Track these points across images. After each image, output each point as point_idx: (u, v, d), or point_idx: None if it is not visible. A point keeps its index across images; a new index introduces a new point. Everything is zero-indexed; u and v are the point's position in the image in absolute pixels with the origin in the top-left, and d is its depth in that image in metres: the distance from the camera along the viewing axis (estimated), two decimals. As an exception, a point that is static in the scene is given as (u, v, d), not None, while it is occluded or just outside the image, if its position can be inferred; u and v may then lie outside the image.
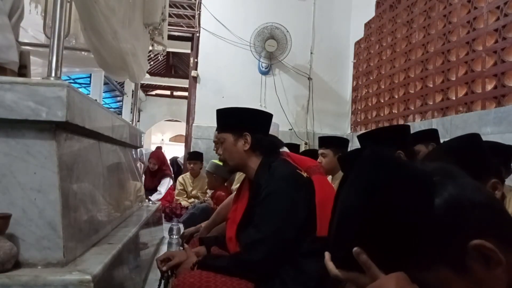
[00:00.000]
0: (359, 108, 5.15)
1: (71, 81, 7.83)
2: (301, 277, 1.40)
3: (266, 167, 1.52)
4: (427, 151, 2.39)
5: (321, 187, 1.47)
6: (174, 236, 2.27)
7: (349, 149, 3.04)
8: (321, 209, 1.41)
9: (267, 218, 1.40)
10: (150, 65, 5.77)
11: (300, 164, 1.56)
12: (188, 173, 4.94)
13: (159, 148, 6.28)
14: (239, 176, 2.67)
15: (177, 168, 6.94)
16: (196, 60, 5.53)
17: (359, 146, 2.42)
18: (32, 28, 2.92)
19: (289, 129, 5.34)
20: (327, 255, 0.72)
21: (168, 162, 6.18)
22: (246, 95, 5.37)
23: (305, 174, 1.50)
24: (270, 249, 1.37)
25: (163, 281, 1.57)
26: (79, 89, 1.58)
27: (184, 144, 6.95)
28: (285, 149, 2.24)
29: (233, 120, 1.60)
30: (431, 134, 2.49)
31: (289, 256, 1.41)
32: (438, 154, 1.25)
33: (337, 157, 2.46)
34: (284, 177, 1.45)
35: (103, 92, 8.27)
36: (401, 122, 3.96)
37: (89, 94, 7.23)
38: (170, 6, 4.86)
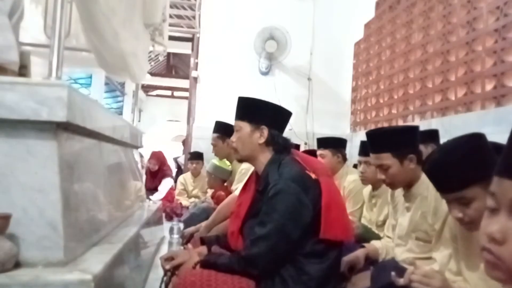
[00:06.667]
0: (359, 108, 5.15)
1: (72, 81, 7.83)
2: (302, 277, 1.40)
3: (275, 164, 1.51)
4: (427, 152, 2.39)
5: (328, 190, 1.47)
6: (175, 236, 2.28)
7: (348, 149, 3.04)
8: (326, 212, 1.42)
9: (273, 216, 1.40)
10: (151, 65, 5.79)
11: (308, 165, 1.55)
12: (188, 173, 4.96)
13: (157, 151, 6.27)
14: (239, 177, 2.67)
15: (177, 168, 6.94)
16: (196, 60, 5.53)
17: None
18: (32, 28, 2.92)
19: (289, 129, 5.31)
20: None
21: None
22: (246, 96, 5.37)
23: (313, 175, 1.50)
24: (272, 245, 1.37)
25: (165, 279, 1.57)
26: (80, 89, 1.58)
27: (182, 144, 6.96)
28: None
29: (254, 110, 1.59)
30: (431, 135, 2.49)
31: (291, 255, 1.41)
32: (442, 152, 1.25)
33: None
34: (294, 177, 1.44)
35: (104, 92, 8.26)
36: (400, 122, 3.97)
37: (90, 94, 7.23)
38: (171, 7, 4.86)
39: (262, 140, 1.55)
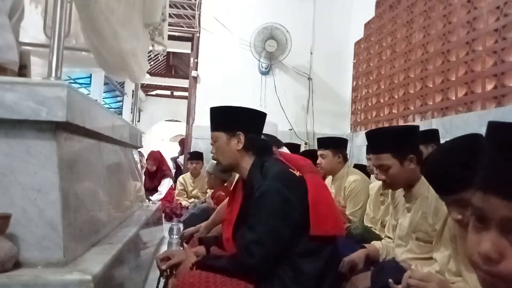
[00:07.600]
0: (359, 108, 5.15)
1: (72, 81, 7.83)
2: (300, 277, 1.40)
3: (258, 167, 1.52)
4: (427, 152, 2.39)
5: (314, 186, 1.47)
6: (174, 236, 2.28)
7: (348, 149, 3.03)
8: (314, 208, 1.42)
9: (261, 219, 1.40)
10: (150, 65, 5.79)
11: (292, 163, 1.56)
12: (188, 173, 4.96)
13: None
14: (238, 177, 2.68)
15: (176, 168, 6.94)
16: (196, 60, 5.53)
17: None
18: (32, 28, 2.92)
19: (289, 129, 5.34)
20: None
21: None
22: (246, 95, 5.37)
23: (297, 173, 1.51)
24: (266, 250, 1.37)
25: (162, 280, 1.57)
26: (79, 89, 1.58)
27: (178, 144, 6.95)
28: (284, 149, 2.24)
29: (226, 119, 1.58)
30: (431, 135, 2.49)
31: (286, 255, 1.41)
32: (440, 154, 1.24)
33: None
34: (277, 177, 1.44)
35: (103, 92, 8.26)
36: (401, 122, 3.97)
37: (90, 94, 7.23)
38: (170, 6, 4.86)
39: (240, 146, 1.54)
